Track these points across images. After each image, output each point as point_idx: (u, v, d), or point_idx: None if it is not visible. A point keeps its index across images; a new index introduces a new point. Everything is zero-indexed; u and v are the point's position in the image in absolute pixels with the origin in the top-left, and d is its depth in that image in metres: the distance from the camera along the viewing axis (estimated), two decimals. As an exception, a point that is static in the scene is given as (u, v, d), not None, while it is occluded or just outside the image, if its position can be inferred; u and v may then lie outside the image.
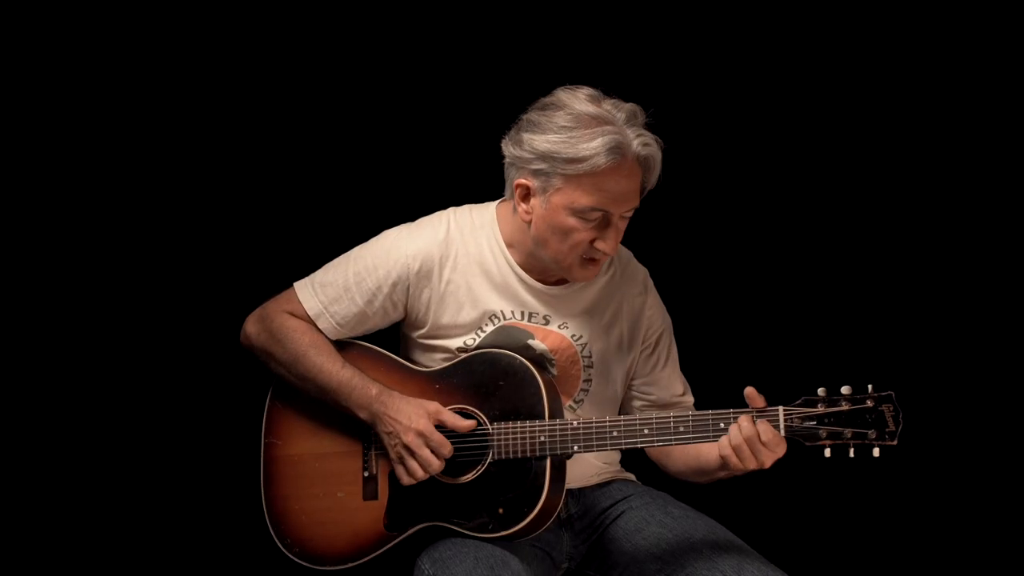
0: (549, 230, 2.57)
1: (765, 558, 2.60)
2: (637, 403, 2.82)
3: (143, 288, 3.47)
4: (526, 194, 2.59)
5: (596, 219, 2.54)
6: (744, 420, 2.44)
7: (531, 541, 2.66)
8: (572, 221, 2.54)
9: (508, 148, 2.60)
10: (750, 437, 2.43)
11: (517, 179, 2.60)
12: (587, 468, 2.82)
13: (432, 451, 2.58)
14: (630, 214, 2.58)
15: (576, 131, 2.50)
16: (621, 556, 2.71)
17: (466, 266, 2.69)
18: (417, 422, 2.58)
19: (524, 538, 2.61)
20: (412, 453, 2.59)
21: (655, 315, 2.82)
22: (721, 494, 2.90)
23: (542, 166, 2.53)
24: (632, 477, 2.93)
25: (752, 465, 2.45)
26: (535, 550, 2.69)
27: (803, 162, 3.57)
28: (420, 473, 2.59)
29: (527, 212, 2.60)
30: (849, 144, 3.56)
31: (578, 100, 2.54)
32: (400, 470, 2.61)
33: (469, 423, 2.60)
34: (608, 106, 2.54)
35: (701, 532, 2.66)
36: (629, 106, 2.55)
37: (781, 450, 2.45)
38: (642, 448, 2.66)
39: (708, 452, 2.62)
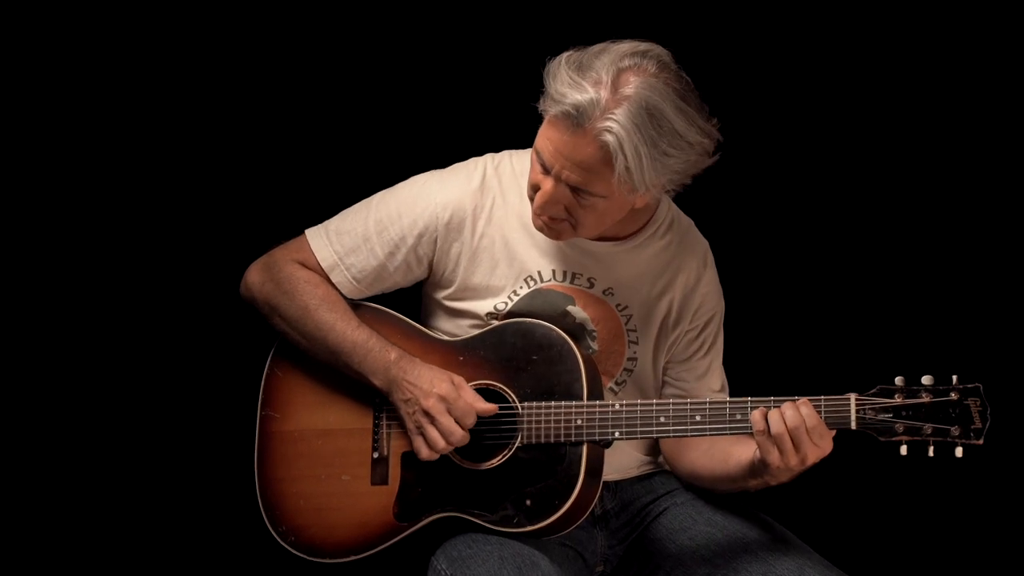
0: None
1: (828, 561, 2.38)
2: (667, 391, 2.59)
3: (128, 234, 3.20)
4: None
5: (540, 164, 2.30)
6: (788, 406, 2.21)
7: (561, 539, 2.43)
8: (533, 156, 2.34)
9: None
10: (796, 426, 2.19)
11: None
12: (626, 459, 2.59)
13: (456, 420, 2.35)
14: (571, 181, 2.26)
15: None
16: (664, 559, 2.47)
17: (503, 219, 2.48)
18: (439, 387, 2.36)
19: (553, 535, 2.38)
20: (432, 420, 2.36)
21: (710, 294, 2.59)
22: (779, 488, 2.60)
23: None
24: None
25: (793, 460, 2.20)
26: (566, 550, 2.46)
27: (881, 130, 3.31)
28: (441, 444, 2.36)
29: None
30: (933, 112, 3.29)
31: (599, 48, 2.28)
32: (418, 442, 2.38)
33: (490, 406, 2.37)
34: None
35: (755, 532, 2.43)
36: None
37: (826, 444, 2.22)
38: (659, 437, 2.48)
39: (740, 453, 2.38)
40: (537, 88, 2.33)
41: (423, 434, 2.37)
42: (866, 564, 2.66)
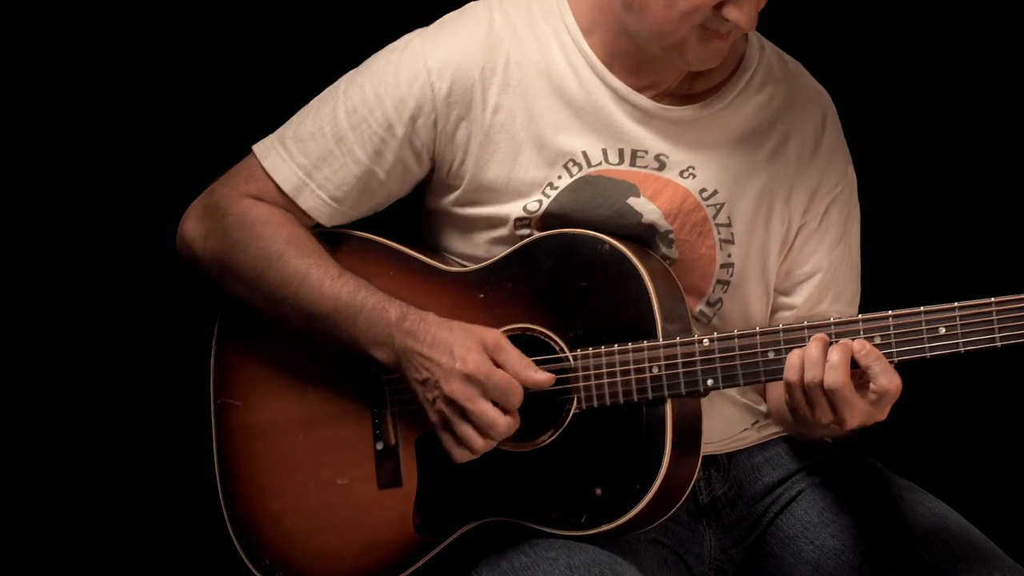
0: None
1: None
2: (782, 313, 2.04)
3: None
4: None
5: None
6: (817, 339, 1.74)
7: (655, 535, 1.92)
8: None
9: None
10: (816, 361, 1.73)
11: None
12: (736, 418, 2.03)
13: (496, 402, 1.84)
14: None
15: None
16: (799, 565, 1.97)
17: (524, 82, 1.93)
18: (465, 359, 1.83)
19: (640, 530, 1.87)
20: (463, 411, 1.83)
21: (835, 163, 2.01)
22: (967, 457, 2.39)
23: None
24: None
25: (826, 416, 1.75)
26: (661, 549, 1.95)
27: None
28: (479, 443, 1.84)
29: None
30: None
31: None
32: (448, 441, 1.87)
33: (548, 376, 1.84)
34: None
35: (924, 525, 1.92)
36: None
37: (885, 382, 1.71)
38: None
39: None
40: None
41: (451, 430, 1.85)
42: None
